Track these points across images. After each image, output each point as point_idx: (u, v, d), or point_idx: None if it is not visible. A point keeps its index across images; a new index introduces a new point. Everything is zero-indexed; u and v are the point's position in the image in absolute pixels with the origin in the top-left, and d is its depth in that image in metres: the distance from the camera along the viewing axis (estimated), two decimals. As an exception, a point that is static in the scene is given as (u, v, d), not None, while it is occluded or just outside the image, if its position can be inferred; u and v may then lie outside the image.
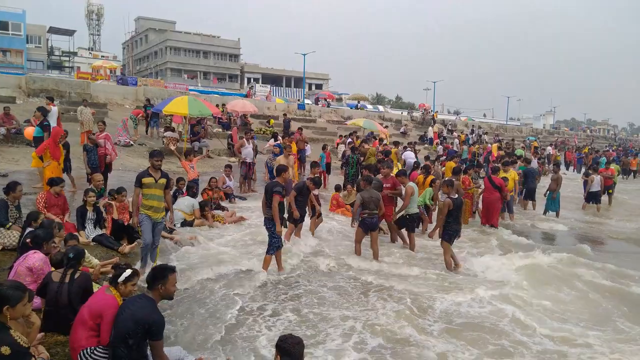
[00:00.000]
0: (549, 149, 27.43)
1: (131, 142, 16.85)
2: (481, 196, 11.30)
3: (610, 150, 33.44)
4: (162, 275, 3.90)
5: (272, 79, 67.14)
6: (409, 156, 15.94)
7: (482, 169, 14.89)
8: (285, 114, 25.62)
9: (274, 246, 6.96)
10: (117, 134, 15.96)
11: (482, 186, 11.42)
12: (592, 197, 14.81)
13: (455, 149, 21.94)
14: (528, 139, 38.92)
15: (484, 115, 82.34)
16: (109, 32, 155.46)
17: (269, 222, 6.93)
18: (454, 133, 32.87)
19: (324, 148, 15.87)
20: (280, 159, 10.65)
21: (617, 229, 12.61)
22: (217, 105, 20.33)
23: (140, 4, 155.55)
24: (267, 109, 29.82)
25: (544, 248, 9.15)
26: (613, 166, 17.82)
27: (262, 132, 22.29)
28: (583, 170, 22.20)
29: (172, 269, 4.04)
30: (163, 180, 6.51)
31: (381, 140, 18.26)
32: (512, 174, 12.17)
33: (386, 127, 26.01)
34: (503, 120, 72.02)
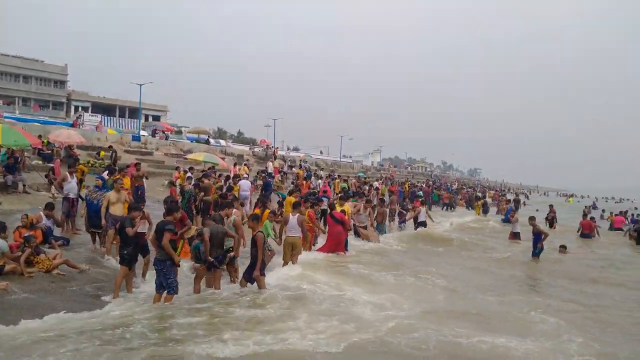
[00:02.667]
0: (376, 184, 30.06)
1: None
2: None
3: (425, 186, 37.84)
4: None
5: (104, 109, 62.61)
6: (244, 187, 16.28)
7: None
8: (110, 146, 23.77)
9: (173, 286, 7.06)
10: None
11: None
12: (420, 225, 17.33)
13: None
14: (359, 175, 42.17)
15: (320, 152, 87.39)
16: None
17: (160, 264, 6.98)
18: (294, 169, 34.15)
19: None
20: (111, 195, 9.86)
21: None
22: (38, 136, 18.17)
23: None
24: (97, 140, 27.53)
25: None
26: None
27: (90, 164, 20.48)
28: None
29: None
30: None
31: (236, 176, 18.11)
32: (347, 208, 13.09)
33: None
34: (337, 157, 77.18)
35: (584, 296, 10.17)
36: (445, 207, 32.37)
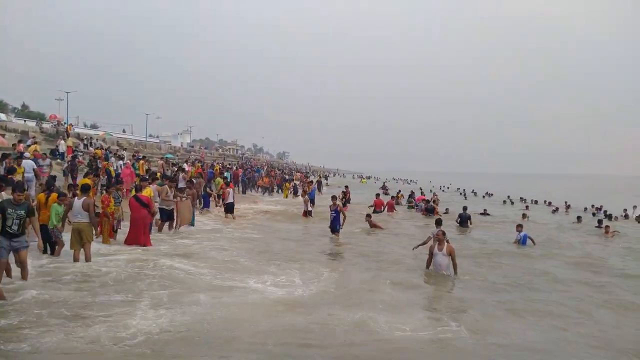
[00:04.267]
0: (185, 166, 29.23)
1: None
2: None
3: (235, 168, 38.19)
4: None
5: None
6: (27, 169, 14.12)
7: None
8: None
9: None
10: None
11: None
12: (229, 208, 17.61)
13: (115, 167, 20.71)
14: (166, 156, 40.44)
15: (124, 131, 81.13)
16: None
17: None
18: (90, 148, 31.07)
19: None
20: None
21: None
22: None
23: None
24: None
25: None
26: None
27: None
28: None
29: None
30: None
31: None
32: (149, 191, 12.44)
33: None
34: (143, 137, 72.65)
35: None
36: (264, 191, 33.58)
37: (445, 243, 9.90)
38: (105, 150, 29.36)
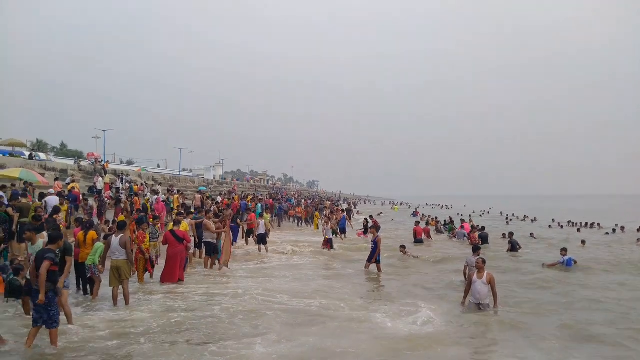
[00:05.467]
0: (219, 198, 29.66)
1: None
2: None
3: (266, 199, 38.50)
4: None
5: None
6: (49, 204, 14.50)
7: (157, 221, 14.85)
8: None
9: (56, 319, 6.60)
10: None
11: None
12: (261, 238, 17.70)
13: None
14: (200, 189, 41.12)
15: (158, 166, 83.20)
16: None
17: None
18: (125, 184, 31.89)
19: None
20: None
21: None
22: None
23: None
24: None
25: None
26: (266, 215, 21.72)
27: None
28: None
29: None
30: None
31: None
32: (185, 225, 12.66)
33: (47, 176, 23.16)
34: (176, 171, 74.27)
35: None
36: (299, 222, 33.63)
37: (485, 271, 9.67)
38: (142, 184, 30.15)
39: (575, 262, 15.64)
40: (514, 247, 19.42)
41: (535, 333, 8.41)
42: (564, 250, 16.22)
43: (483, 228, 22.05)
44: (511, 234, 21.48)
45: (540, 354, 7.28)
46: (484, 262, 9.86)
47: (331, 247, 18.92)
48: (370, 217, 27.99)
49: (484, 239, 21.24)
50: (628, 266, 16.63)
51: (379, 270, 14.24)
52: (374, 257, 14.24)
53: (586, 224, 36.80)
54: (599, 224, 36.07)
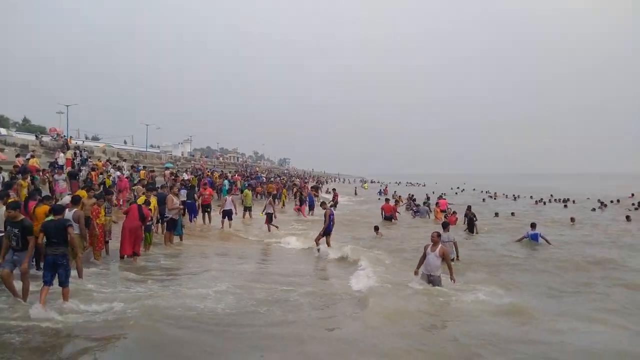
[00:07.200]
0: (185, 175, 29.31)
1: None
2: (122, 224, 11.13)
3: (236, 175, 38.27)
4: None
5: None
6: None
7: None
8: None
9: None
10: None
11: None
12: (227, 214, 17.82)
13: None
14: (165, 165, 40.55)
15: (125, 142, 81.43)
16: None
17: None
18: (89, 161, 31.13)
19: None
20: None
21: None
22: None
23: None
24: None
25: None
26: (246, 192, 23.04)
27: None
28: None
29: None
30: None
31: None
32: (154, 202, 12.54)
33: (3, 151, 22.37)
34: (143, 147, 72.84)
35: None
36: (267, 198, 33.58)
37: (440, 245, 9.89)
38: (107, 161, 29.49)
39: (547, 241, 15.83)
40: (471, 221, 19.49)
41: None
42: (533, 226, 16.47)
43: (469, 207, 21.18)
44: (469, 207, 21.51)
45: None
46: (438, 235, 10.08)
47: (270, 221, 18.25)
48: (334, 189, 28.38)
49: (470, 221, 19.45)
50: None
51: (328, 244, 14.28)
52: (323, 230, 14.27)
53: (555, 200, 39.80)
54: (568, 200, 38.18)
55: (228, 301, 7.97)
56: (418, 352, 6.27)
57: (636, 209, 31.51)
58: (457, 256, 12.61)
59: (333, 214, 14.79)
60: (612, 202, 35.91)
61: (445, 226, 12.70)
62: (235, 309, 7.63)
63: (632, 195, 41.07)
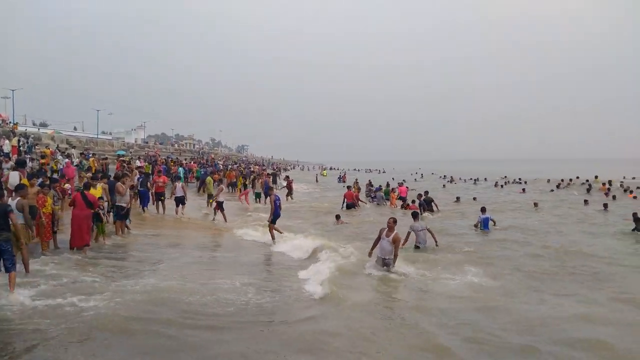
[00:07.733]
0: (138, 162, 28.59)
1: None
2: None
3: (192, 163, 37.65)
4: None
5: None
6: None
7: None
8: None
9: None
10: None
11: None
12: (179, 201, 17.74)
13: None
14: (118, 152, 39.42)
15: (75, 129, 78.45)
16: None
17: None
18: (36, 148, 29.90)
19: None
20: None
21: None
22: None
23: None
24: None
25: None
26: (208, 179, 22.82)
27: None
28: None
29: None
30: None
31: None
32: (99, 189, 12.12)
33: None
34: (94, 134, 70.44)
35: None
36: (229, 187, 33.12)
37: (394, 231, 10.08)
38: (55, 149, 28.39)
39: (494, 223, 16.35)
40: (428, 204, 19.90)
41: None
42: (483, 210, 16.74)
43: (427, 192, 21.98)
44: (426, 192, 22.17)
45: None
46: (394, 221, 10.30)
47: (220, 208, 17.81)
48: (287, 177, 28.40)
49: (428, 203, 20.87)
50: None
51: (276, 230, 14.05)
52: (271, 216, 13.96)
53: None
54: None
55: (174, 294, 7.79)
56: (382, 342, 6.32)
57: (552, 190, 34.42)
58: (436, 242, 12.62)
59: (279, 199, 14.39)
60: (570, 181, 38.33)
61: (415, 216, 12.86)
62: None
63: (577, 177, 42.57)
